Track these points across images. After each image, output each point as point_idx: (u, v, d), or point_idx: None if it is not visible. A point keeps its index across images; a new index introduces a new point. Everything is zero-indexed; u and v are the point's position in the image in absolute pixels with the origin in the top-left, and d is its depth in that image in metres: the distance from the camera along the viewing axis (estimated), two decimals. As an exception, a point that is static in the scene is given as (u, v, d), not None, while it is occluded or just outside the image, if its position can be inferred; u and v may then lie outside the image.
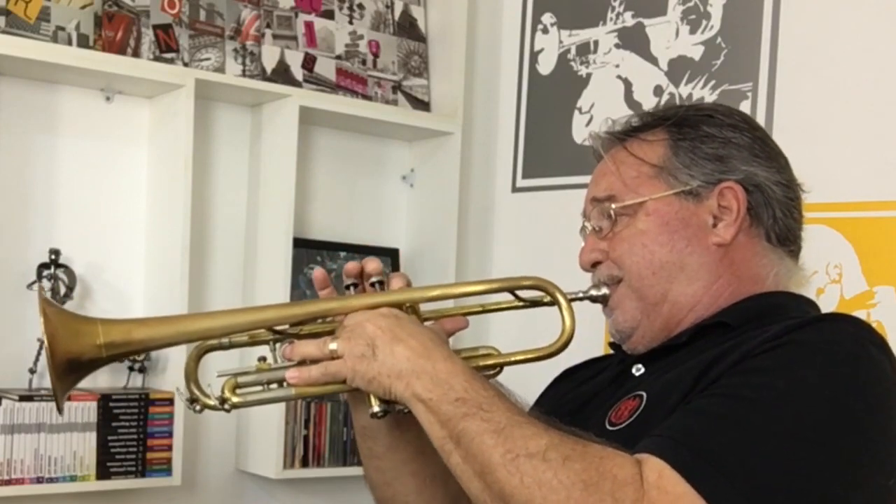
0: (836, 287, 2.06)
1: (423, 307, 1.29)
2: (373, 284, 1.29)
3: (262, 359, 1.25)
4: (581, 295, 1.31)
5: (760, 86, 2.23)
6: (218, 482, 2.49)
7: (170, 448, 2.25)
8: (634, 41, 2.51)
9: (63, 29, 2.21)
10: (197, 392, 1.23)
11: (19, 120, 2.24)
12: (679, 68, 2.41)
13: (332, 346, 1.19)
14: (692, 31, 2.39)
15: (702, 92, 2.35)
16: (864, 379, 1.10)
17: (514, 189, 2.81)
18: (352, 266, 1.30)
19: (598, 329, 2.33)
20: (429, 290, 1.29)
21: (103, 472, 2.17)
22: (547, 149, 2.72)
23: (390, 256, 2.72)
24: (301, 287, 2.55)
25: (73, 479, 2.14)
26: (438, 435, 1.13)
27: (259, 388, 1.24)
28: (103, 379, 2.30)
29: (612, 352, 1.42)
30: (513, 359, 1.31)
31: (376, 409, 1.19)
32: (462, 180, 2.70)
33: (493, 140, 2.86)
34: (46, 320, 1.16)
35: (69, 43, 2.21)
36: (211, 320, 1.25)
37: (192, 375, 1.24)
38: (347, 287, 1.29)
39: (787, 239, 1.31)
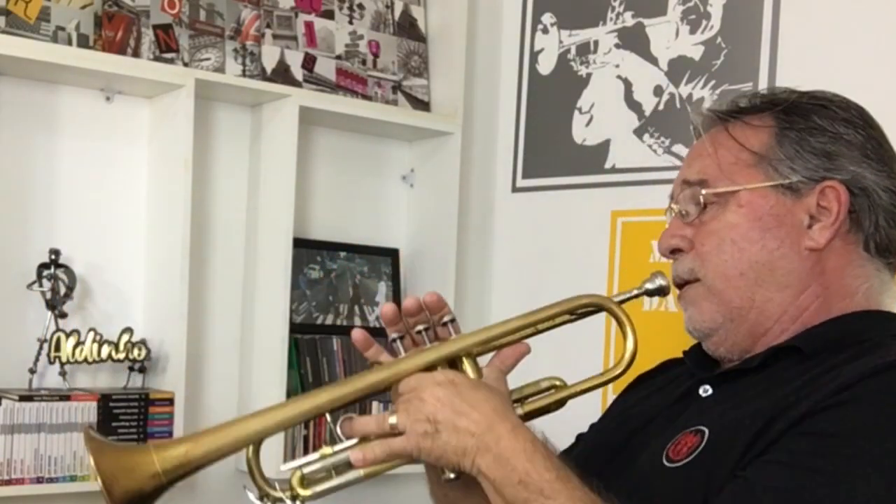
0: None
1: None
2: (419, 332, 1.25)
3: (325, 442, 1.22)
4: (636, 292, 1.25)
5: (760, 86, 2.23)
6: (218, 482, 2.49)
7: (170, 448, 2.24)
8: (634, 41, 2.51)
9: (63, 29, 2.21)
10: (265, 486, 1.20)
11: (19, 120, 2.24)
12: (679, 68, 2.41)
13: (392, 420, 1.15)
14: (692, 31, 2.39)
15: (702, 92, 2.35)
16: None
17: (514, 189, 2.80)
18: (389, 312, 1.24)
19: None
20: (479, 335, 1.24)
21: (103, 472, 2.17)
22: (547, 149, 2.72)
23: (390, 256, 2.73)
24: (301, 287, 2.55)
25: (73, 479, 2.14)
26: None
27: (325, 474, 1.20)
28: (103, 379, 2.30)
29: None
30: (578, 389, 1.26)
31: (450, 475, 1.16)
32: (462, 180, 2.70)
33: (493, 140, 2.86)
34: (99, 468, 1.12)
35: (69, 43, 2.21)
36: (264, 420, 1.21)
37: (256, 471, 1.21)
38: (393, 340, 1.25)
39: (888, 250, 1.23)
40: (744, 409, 1.14)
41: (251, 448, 1.21)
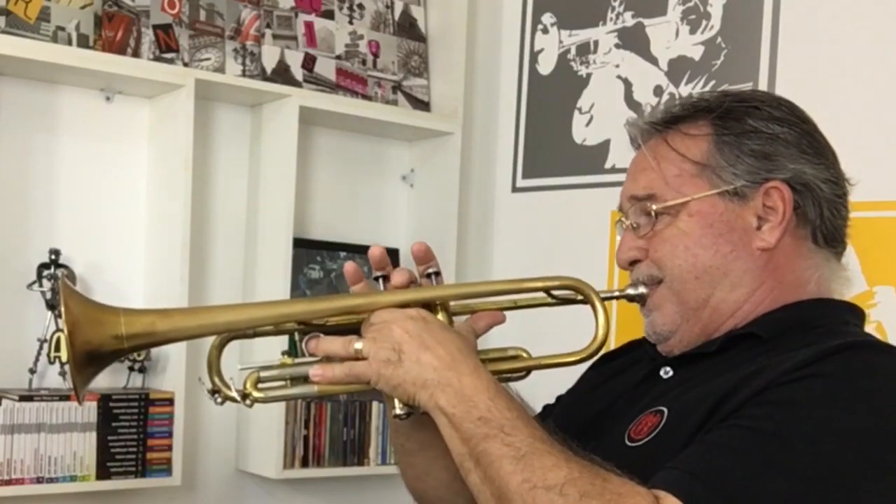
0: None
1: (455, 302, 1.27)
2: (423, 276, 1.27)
3: (286, 353, 1.23)
4: (617, 294, 1.28)
5: (760, 86, 2.23)
6: (218, 482, 2.49)
7: (170, 448, 2.25)
8: (634, 41, 2.51)
9: (63, 29, 2.21)
10: (219, 383, 1.21)
11: (19, 120, 2.24)
12: (679, 68, 2.41)
13: (358, 345, 1.17)
14: (692, 31, 2.39)
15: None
16: (890, 417, 1.06)
17: (514, 189, 2.80)
18: (377, 253, 1.26)
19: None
20: (459, 288, 1.27)
21: (103, 472, 2.17)
22: (547, 149, 2.72)
23: (390, 257, 2.72)
24: (301, 287, 2.55)
25: (73, 479, 2.14)
26: (459, 451, 1.12)
27: (281, 383, 1.22)
28: (103, 379, 2.30)
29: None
30: (542, 363, 1.28)
31: (399, 411, 1.18)
32: (462, 180, 2.70)
33: (493, 140, 2.86)
34: (67, 311, 1.14)
35: (69, 43, 2.21)
36: (236, 313, 1.24)
37: (214, 365, 1.22)
38: (376, 279, 1.26)
39: (835, 239, 1.26)
40: (701, 387, 1.17)
41: (216, 341, 1.23)
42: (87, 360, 1.16)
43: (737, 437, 1.06)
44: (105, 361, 1.18)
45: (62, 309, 1.15)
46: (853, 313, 1.27)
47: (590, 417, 1.32)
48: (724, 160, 1.23)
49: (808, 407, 1.06)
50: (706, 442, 1.08)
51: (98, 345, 1.16)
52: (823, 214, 1.24)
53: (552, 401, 1.47)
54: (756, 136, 1.23)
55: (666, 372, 1.28)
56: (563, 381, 1.46)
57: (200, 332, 1.23)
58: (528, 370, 1.30)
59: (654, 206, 1.25)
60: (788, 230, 1.23)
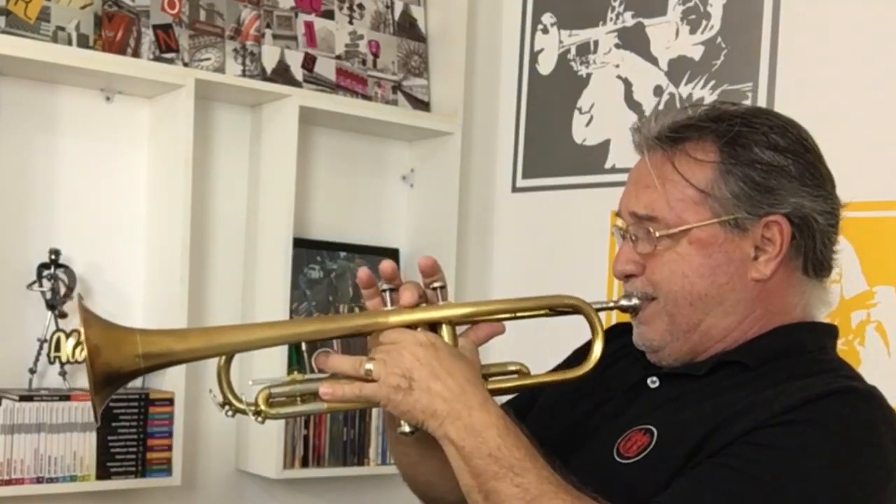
0: (836, 287, 2.05)
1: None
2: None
3: (296, 369, 1.25)
4: (611, 304, 1.31)
5: (760, 86, 2.23)
6: (218, 482, 2.49)
7: (170, 448, 2.25)
8: (634, 41, 2.51)
9: (63, 29, 2.21)
10: (230, 396, 1.24)
11: (19, 120, 2.24)
12: (679, 68, 2.41)
13: (368, 366, 1.19)
14: (692, 31, 2.39)
15: (702, 92, 2.35)
16: (869, 468, 1.13)
17: (514, 189, 2.80)
18: (388, 268, 1.28)
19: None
20: (463, 308, 1.29)
21: (103, 472, 2.17)
22: (547, 149, 2.72)
23: (390, 256, 2.73)
24: (301, 287, 2.55)
25: (73, 479, 2.14)
26: (467, 483, 1.15)
27: (291, 398, 1.25)
28: (103, 379, 2.30)
29: None
30: (541, 381, 1.33)
31: (406, 429, 1.21)
32: (462, 180, 2.70)
33: (493, 140, 2.86)
34: (87, 337, 1.17)
35: (69, 43, 2.21)
36: (249, 333, 1.28)
37: (224, 379, 1.25)
38: (384, 291, 1.28)
39: (823, 268, 1.30)
40: (689, 412, 1.21)
41: (223, 358, 1.25)
42: (106, 382, 1.19)
43: (725, 478, 1.11)
44: (122, 382, 1.22)
45: (82, 332, 1.18)
46: (829, 335, 1.32)
47: (579, 416, 1.35)
48: (727, 191, 1.25)
49: (791, 453, 1.11)
50: (695, 478, 1.13)
51: (118, 367, 1.20)
52: (816, 246, 1.27)
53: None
54: (761, 167, 1.25)
55: (653, 381, 1.31)
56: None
57: (214, 353, 1.25)
58: (526, 388, 1.33)
59: (656, 233, 1.27)
60: (783, 262, 1.26)
